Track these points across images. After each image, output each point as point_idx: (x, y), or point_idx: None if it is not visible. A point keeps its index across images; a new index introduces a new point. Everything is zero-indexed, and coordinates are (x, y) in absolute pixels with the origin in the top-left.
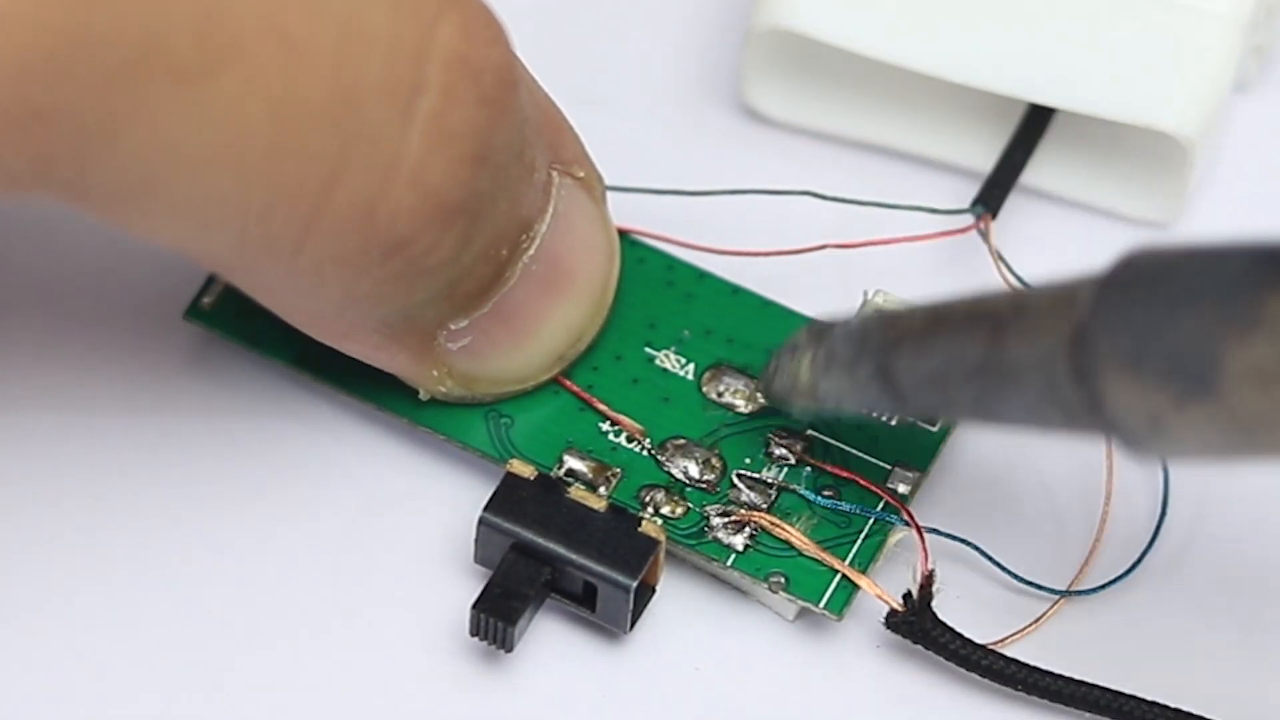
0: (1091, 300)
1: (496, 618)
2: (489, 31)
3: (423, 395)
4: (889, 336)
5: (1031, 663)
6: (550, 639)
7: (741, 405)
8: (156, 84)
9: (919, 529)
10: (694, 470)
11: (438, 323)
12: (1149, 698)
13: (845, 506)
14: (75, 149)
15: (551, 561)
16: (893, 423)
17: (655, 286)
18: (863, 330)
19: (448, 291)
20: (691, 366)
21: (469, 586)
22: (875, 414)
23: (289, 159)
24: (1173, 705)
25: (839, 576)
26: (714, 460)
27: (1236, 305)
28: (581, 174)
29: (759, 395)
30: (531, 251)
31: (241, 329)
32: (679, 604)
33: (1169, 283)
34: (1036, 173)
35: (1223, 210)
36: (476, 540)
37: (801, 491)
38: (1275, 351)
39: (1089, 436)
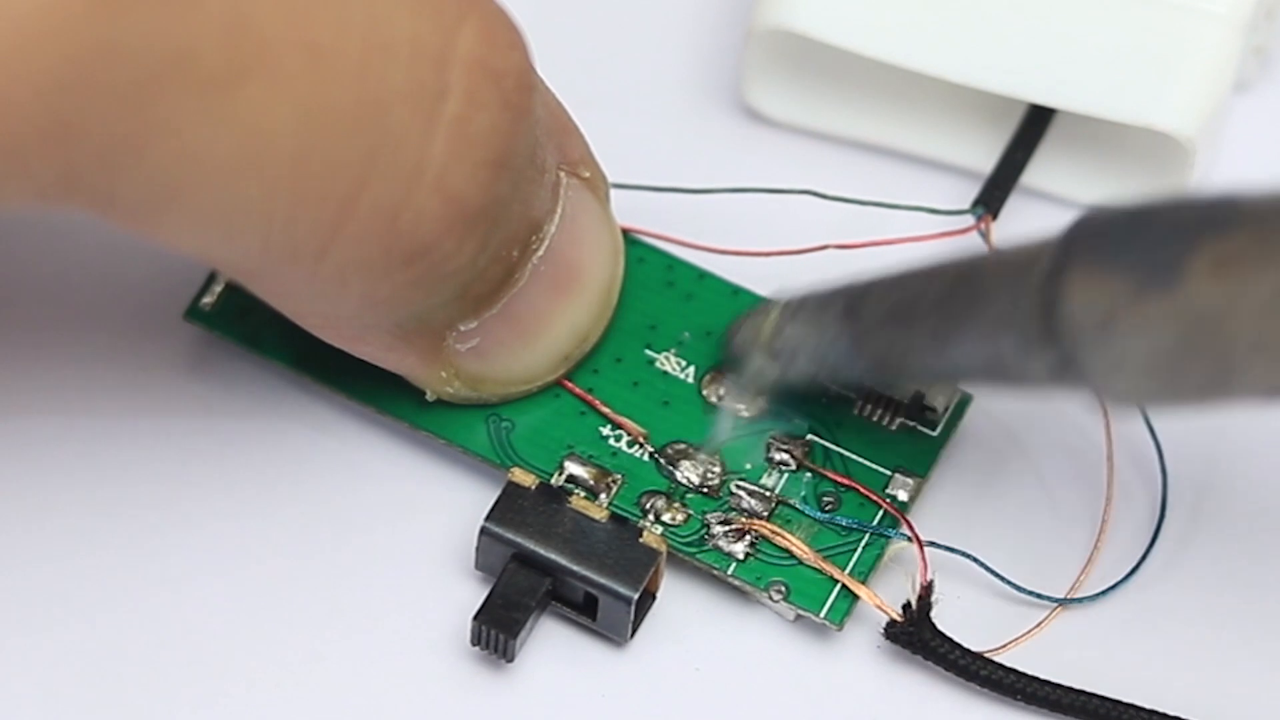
0: (1076, 219)
1: (497, 629)
2: (509, 36)
3: (429, 396)
4: (864, 281)
5: (1029, 670)
6: (551, 640)
7: (742, 409)
8: (184, 95)
9: (919, 541)
10: (695, 475)
11: (448, 324)
12: (1148, 705)
13: (843, 521)
14: (103, 160)
15: (552, 572)
16: (892, 427)
17: (655, 286)
18: (838, 283)
19: (461, 294)
20: (692, 369)
21: (470, 589)
22: (825, 370)
23: (315, 167)
24: (1171, 713)
25: (839, 586)
26: (714, 464)
27: (1216, 207)
28: (587, 174)
29: (755, 394)
30: (541, 252)
31: (242, 330)
32: (680, 605)
33: (1151, 204)
34: (1037, 173)
35: None
36: (478, 549)
37: (799, 506)
38: (1250, 241)
39: (1032, 368)
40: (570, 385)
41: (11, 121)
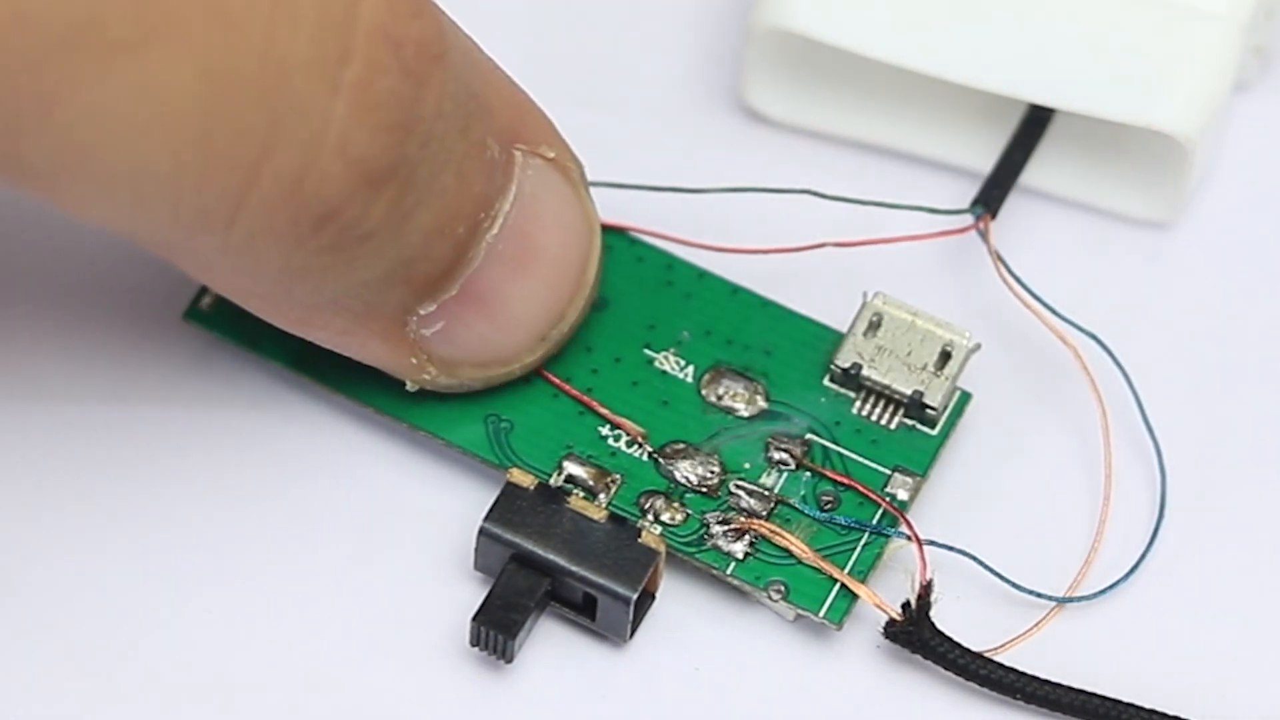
0: None
1: (496, 630)
2: (412, 5)
3: (410, 386)
4: None
5: (1028, 669)
6: (551, 639)
7: (741, 408)
8: (91, 58)
9: (918, 540)
10: (694, 475)
11: (404, 307)
12: (1146, 704)
13: (842, 520)
14: (10, 124)
15: (551, 572)
16: (891, 426)
17: (654, 286)
18: None
19: (404, 271)
20: (691, 369)
21: (469, 589)
22: None
23: (220, 131)
24: (1170, 713)
25: (838, 585)
26: (714, 464)
27: None
28: (552, 154)
29: (751, 405)
30: (495, 230)
31: (240, 330)
32: (679, 605)
33: None
34: (1036, 173)
35: (1223, 210)
36: (477, 550)
37: (798, 505)
38: None
39: None
40: (568, 387)
41: None
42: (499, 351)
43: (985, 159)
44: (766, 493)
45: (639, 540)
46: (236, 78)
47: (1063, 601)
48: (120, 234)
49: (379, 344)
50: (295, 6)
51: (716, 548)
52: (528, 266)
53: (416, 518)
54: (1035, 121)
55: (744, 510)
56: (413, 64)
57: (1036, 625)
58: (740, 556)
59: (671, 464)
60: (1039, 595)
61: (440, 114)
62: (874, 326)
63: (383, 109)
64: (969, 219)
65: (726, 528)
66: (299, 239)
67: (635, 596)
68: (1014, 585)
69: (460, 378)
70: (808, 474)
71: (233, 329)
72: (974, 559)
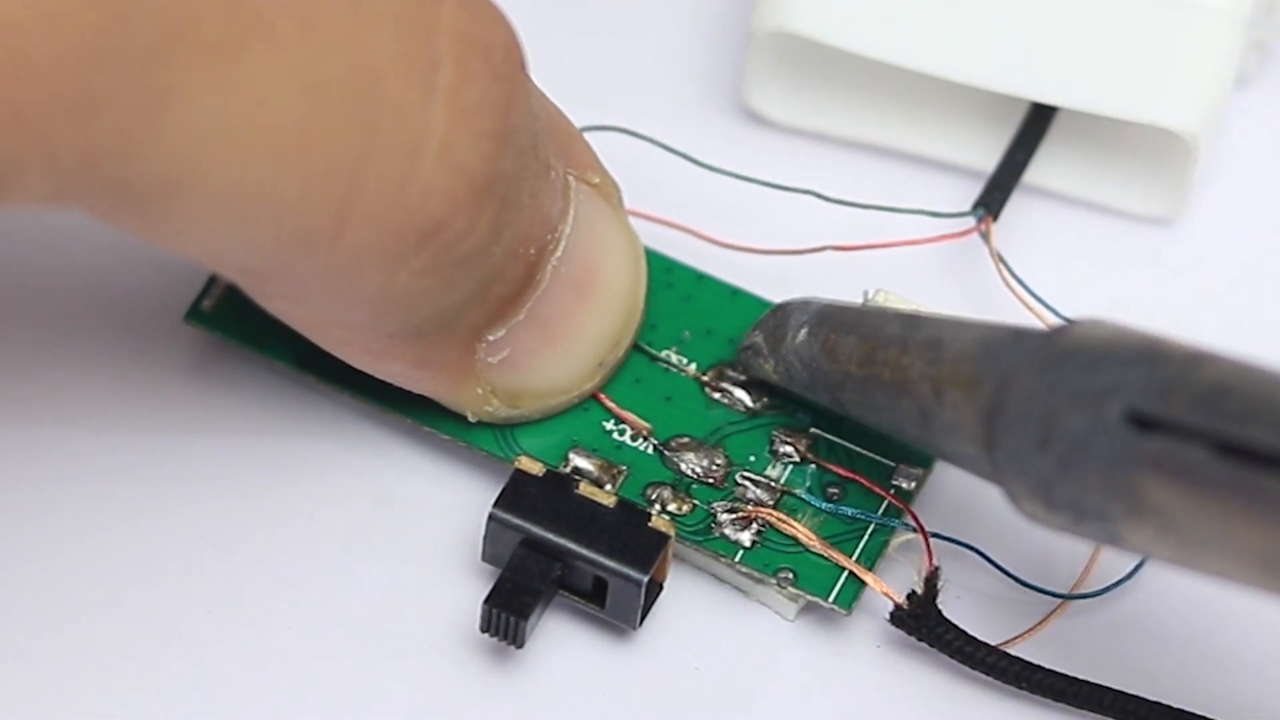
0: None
1: (509, 613)
2: (490, 12)
3: (471, 418)
4: (847, 317)
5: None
6: (553, 638)
7: (744, 405)
8: (191, 62)
9: (923, 530)
10: (699, 467)
11: (475, 333)
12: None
13: (849, 511)
14: (123, 135)
15: (562, 557)
16: None
17: (654, 288)
18: (834, 308)
19: (482, 293)
20: (693, 366)
21: (475, 585)
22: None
23: (319, 139)
24: (1176, 705)
25: (846, 572)
26: (719, 457)
27: (1121, 487)
28: (596, 180)
29: (755, 401)
30: (559, 253)
31: (243, 331)
32: (681, 603)
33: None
34: (1039, 171)
35: (1225, 205)
36: (486, 537)
37: (804, 496)
38: (1161, 533)
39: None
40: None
41: (38, 93)
42: (560, 379)
43: (987, 157)
44: (773, 483)
45: (649, 525)
46: (329, 81)
47: (1068, 598)
48: (218, 265)
49: (448, 376)
50: (375, 11)
51: (724, 536)
52: (588, 291)
53: (423, 514)
54: (1037, 120)
55: (751, 500)
56: (503, 69)
57: (1042, 621)
58: (748, 544)
59: (677, 456)
60: (1044, 591)
61: (525, 126)
62: None
63: (481, 116)
64: (970, 221)
65: (734, 516)
66: (403, 257)
67: (646, 579)
68: (1019, 581)
69: (521, 408)
70: (813, 466)
71: (235, 330)
72: (979, 553)
